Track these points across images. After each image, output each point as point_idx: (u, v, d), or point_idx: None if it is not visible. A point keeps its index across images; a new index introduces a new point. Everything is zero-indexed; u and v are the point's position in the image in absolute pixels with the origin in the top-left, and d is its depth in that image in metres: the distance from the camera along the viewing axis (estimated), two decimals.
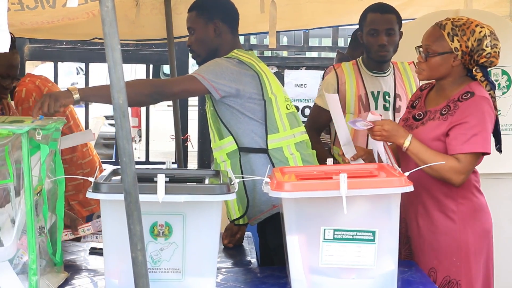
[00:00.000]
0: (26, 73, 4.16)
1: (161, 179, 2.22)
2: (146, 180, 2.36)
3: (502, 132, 3.04)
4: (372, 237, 2.36)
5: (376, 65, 3.72)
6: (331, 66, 4.82)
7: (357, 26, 3.83)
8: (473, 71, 2.89)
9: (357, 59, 3.82)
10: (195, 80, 3.01)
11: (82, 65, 7.45)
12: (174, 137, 5.14)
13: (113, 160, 6.25)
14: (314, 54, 8.51)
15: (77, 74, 12.54)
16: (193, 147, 6.02)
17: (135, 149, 8.91)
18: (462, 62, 2.88)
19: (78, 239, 3.02)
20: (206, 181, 2.52)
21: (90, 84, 6.13)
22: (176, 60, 4.95)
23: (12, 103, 3.72)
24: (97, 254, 2.97)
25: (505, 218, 4.17)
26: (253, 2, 4.29)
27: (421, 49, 2.93)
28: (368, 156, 3.04)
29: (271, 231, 3.12)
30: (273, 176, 2.47)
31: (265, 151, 3.10)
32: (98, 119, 9.74)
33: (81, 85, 8.87)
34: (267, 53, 7.04)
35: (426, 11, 4.63)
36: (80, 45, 6.06)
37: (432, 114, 2.93)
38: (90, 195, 2.28)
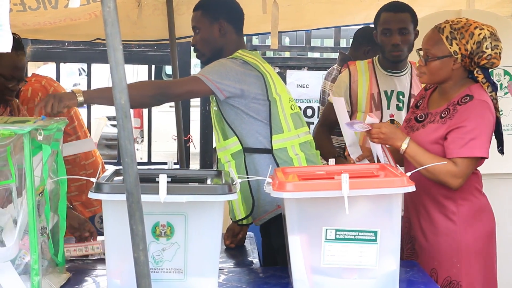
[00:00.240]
0: (32, 73, 4.16)
1: (163, 179, 2.23)
2: (148, 180, 2.36)
3: (504, 133, 3.03)
4: (374, 237, 2.36)
5: (391, 64, 3.69)
6: (333, 66, 4.85)
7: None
8: (475, 72, 2.88)
9: (374, 57, 3.80)
10: (200, 81, 3.02)
11: (84, 65, 7.45)
12: (176, 137, 5.14)
13: (116, 161, 6.24)
14: (316, 55, 8.50)
15: (79, 75, 12.54)
16: (195, 147, 6.02)
17: (137, 149, 8.91)
18: (463, 65, 2.87)
19: (85, 255, 3.00)
20: (208, 181, 2.53)
21: (92, 85, 6.13)
22: (178, 61, 4.95)
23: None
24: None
25: (508, 219, 4.16)
26: (255, 3, 4.29)
27: (421, 52, 2.92)
28: (373, 157, 3.04)
29: (275, 231, 3.12)
30: (275, 176, 2.47)
31: (269, 151, 3.10)
32: (100, 120, 9.76)
33: (83, 85, 8.88)
34: (269, 54, 7.04)
35: (428, 11, 4.62)
36: (82, 46, 6.05)
37: (433, 117, 2.93)
38: (92, 195, 2.28)
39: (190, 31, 3.39)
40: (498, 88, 3.79)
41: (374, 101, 3.67)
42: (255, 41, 6.67)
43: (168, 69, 9.34)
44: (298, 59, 6.66)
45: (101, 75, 8.95)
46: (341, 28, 6.30)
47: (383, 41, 3.63)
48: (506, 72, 4.20)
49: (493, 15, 4.28)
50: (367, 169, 2.65)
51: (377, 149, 2.90)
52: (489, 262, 2.96)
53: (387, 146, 2.95)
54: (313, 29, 5.76)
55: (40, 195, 2.34)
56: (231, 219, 3.22)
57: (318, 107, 5.54)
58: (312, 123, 5.95)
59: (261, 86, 3.10)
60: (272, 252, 3.24)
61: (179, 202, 2.27)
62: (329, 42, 8.34)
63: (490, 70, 2.90)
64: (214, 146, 6.43)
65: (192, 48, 3.99)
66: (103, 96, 2.94)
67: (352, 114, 3.71)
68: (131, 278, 2.02)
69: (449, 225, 2.90)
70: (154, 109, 6.92)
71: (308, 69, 6.21)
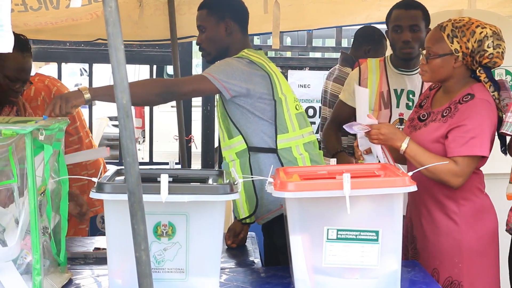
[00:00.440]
0: (35, 73, 4.15)
1: (164, 179, 2.23)
2: (150, 180, 2.36)
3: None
4: (375, 237, 2.36)
5: (402, 62, 3.64)
6: (335, 66, 4.85)
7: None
8: (477, 72, 2.88)
9: (386, 56, 3.77)
10: (206, 80, 3.02)
11: (86, 66, 7.45)
12: (177, 137, 5.14)
13: (118, 161, 6.24)
14: (318, 55, 8.51)
15: (81, 75, 12.54)
16: (196, 147, 6.03)
17: (139, 149, 8.91)
18: (464, 63, 2.87)
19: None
20: (210, 181, 2.53)
21: (94, 85, 6.12)
22: (180, 61, 4.95)
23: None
24: (101, 254, 2.97)
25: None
26: (256, 3, 4.29)
27: (423, 51, 2.92)
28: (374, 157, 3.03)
29: (278, 230, 3.12)
30: (276, 176, 2.47)
31: (274, 151, 3.11)
32: (102, 120, 9.76)
33: (85, 86, 8.86)
34: (271, 54, 7.04)
35: (430, 11, 4.59)
36: (84, 46, 6.06)
37: (435, 116, 2.93)
38: (93, 195, 2.28)
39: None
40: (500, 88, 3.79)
41: (383, 99, 3.65)
42: (257, 41, 6.69)
43: (170, 69, 9.34)
44: (299, 59, 6.67)
45: (103, 75, 8.95)
46: (343, 28, 6.31)
47: (393, 38, 3.58)
48: (507, 72, 4.19)
49: (494, 15, 4.27)
50: (369, 168, 2.65)
51: (376, 150, 2.90)
52: (491, 262, 2.95)
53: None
54: (315, 29, 5.77)
55: (42, 195, 2.34)
56: (236, 217, 3.22)
57: (320, 107, 5.54)
58: (314, 123, 5.96)
59: (267, 86, 3.10)
60: (273, 252, 3.24)
61: (181, 202, 2.27)
62: (331, 42, 8.35)
63: (492, 69, 2.89)
64: (215, 146, 6.46)
65: (193, 48, 4.01)
66: (110, 93, 2.93)
67: None
68: (133, 278, 2.02)
69: (451, 225, 2.90)
70: (155, 109, 6.93)
71: (309, 69, 6.22)
